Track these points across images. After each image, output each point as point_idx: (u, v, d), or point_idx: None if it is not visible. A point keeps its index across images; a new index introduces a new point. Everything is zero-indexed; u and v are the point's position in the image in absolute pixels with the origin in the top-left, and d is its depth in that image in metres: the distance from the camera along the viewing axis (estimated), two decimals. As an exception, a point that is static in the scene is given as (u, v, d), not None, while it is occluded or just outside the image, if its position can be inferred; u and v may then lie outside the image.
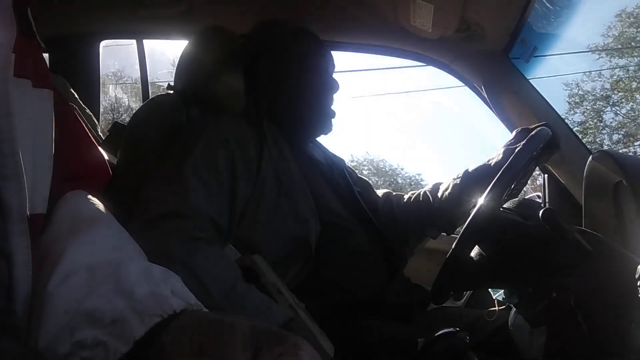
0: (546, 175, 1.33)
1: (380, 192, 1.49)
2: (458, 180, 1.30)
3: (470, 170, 1.30)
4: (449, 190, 1.31)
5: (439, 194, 1.34)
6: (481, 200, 0.93)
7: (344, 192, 1.30)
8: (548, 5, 1.35)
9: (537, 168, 1.31)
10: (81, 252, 0.56)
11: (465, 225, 0.94)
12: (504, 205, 1.00)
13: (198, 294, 0.80)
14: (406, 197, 1.44)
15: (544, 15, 1.41)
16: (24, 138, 0.54)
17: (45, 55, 1.81)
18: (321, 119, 1.28)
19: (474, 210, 0.94)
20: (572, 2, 1.38)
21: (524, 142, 1.00)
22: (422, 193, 1.40)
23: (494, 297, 1.21)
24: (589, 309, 0.83)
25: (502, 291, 1.22)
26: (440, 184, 1.38)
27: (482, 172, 1.24)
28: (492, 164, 1.22)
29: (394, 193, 1.48)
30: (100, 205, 0.67)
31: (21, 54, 0.55)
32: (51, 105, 0.62)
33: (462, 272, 0.96)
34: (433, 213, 1.34)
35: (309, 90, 1.25)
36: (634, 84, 9.91)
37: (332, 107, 1.30)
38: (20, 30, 0.55)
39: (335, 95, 1.30)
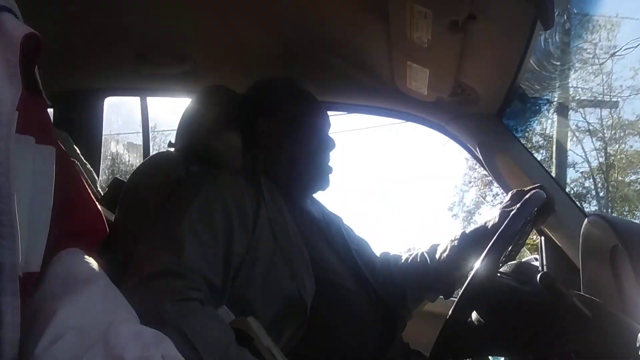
0: (543, 238, 1.33)
1: (378, 252, 1.48)
2: (455, 243, 1.29)
3: (467, 232, 1.30)
4: (446, 253, 1.30)
5: (437, 256, 1.33)
6: (477, 265, 0.92)
7: (342, 250, 1.29)
8: (540, 70, 1.40)
9: (534, 230, 1.32)
10: (71, 314, 0.55)
11: (462, 291, 0.93)
12: (501, 270, 1.00)
13: (190, 358, 0.79)
14: (404, 257, 1.42)
15: (537, 80, 1.46)
16: (23, 195, 0.54)
17: (50, 110, 1.84)
18: (318, 175, 1.30)
19: (471, 275, 0.93)
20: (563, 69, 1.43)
21: (518, 205, 1.01)
22: (419, 254, 1.39)
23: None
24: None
25: (502, 358, 1.19)
26: (438, 245, 1.37)
27: (479, 234, 1.24)
28: (488, 227, 1.22)
29: (392, 253, 1.47)
30: (94, 264, 0.67)
31: (26, 110, 0.55)
32: (53, 162, 0.62)
33: (461, 338, 0.94)
34: (431, 275, 1.32)
35: (306, 148, 1.27)
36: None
37: (329, 164, 1.32)
38: (26, 87, 0.56)
39: (331, 153, 1.33)
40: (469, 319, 0.98)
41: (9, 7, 0.60)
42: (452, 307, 0.93)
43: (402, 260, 1.42)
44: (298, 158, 1.27)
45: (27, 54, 0.57)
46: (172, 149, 1.37)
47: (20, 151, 0.54)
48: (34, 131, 0.58)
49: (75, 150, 1.63)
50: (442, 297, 1.39)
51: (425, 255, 1.37)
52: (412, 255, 1.40)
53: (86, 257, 0.67)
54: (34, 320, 0.55)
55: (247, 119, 1.30)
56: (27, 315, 0.53)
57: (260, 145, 1.27)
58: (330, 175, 1.32)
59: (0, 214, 0.51)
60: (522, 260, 1.23)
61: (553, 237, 1.34)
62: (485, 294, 0.92)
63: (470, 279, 0.92)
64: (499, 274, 0.97)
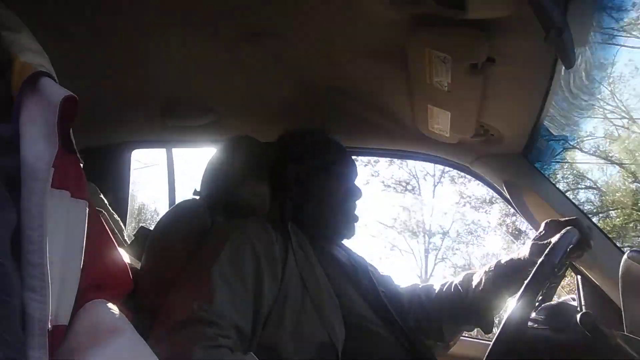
0: (579, 277, 1.29)
1: (405, 287, 1.45)
2: (490, 274, 1.26)
3: (502, 262, 1.26)
4: (482, 285, 1.26)
5: (472, 288, 1.29)
6: (510, 309, 0.88)
7: (370, 294, 1.27)
8: (564, 109, 1.39)
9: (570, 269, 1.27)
10: None
11: (495, 338, 0.89)
12: (536, 316, 0.96)
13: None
14: (437, 289, 1.39)
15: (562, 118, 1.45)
16: (57, 248, 0.55)
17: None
18: (345, 223, 1.32)
19: (504, 321, 0.89)
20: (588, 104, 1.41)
21: (552, 244, 0.98)
22: (452, 285, 1.35)
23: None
24: None
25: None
26: (472, 274, 1.33)
27: (514, 266, 1.21)
28: (522, 258, 1.19)
29: (421, 286, 1.43)
30: (120, 315, 0.66)
31: (64, 167, 0.58)
32: (86, 216, 0.64)
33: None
34: (467, 307, 1.28)
35: (334, 197, 1.31)
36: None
37: (355, 212, 1.34)
38: (62, 145, 0.59)
39: (357, 202, 1.35)
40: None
41: (47, 72, 0.65)
42: (487, 353, 0.89)
43: (435, 293, 1.38)
44: (326, 206, 1.30)
45: (64, 115, 0.60)
46: (197, 197, 1.38)
47: (56, 205, 0.56)
48: (69, 186, 0.61)
49: (103, 200, 1.66)
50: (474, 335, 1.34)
51: (459, 286, 1.33)
52: (446, 287, 1.37)
53: (112, 307, 0.67)
54: None
55: (276, 166, 1.33)
56: None
57: (289, 192, 1.29)
58: (356, 224, 1.34)
59: (33, 268, 0.52)
60: (559, 301, 1.17)
61: (590, 275, 1.29)
62: (518, 348, 0.87)
63: (504, 325, 0.88)
64: (533, 324, 0.93)
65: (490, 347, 0.89)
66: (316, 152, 1.35)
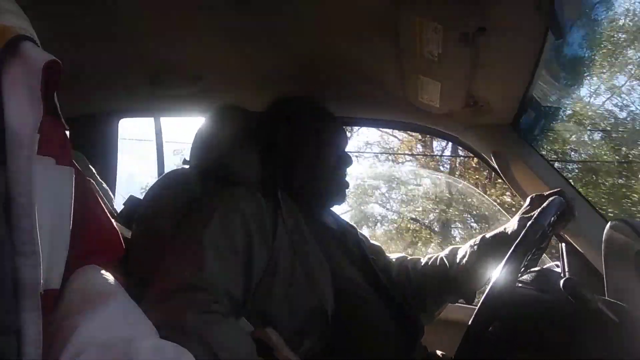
0: (564, 244, 1.31)
1: (394, 256, 1.48)
2: (475, 248, 1.29)
3: (487, 236, 1.29)
4: (466, 258, 1.29)
5: (457, 261, 1.32)
6: (497, 274, 0.91)
7: (359, 260, 1.29)
8: (553, 80, 1.40)
9: (554, 237, 1.30)
10: (92, 329, 0.56)
11: (481, 301, 0.92)
12: (522, 278, 0.98)
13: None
14: (423, 261, 1.42)
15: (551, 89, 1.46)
16: (44, 214, 0.55)
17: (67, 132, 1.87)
18: (336, 190, 1.33)
19: (490, 284, 0.92)
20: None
21: (538, 211, 1.00)
22: (438, 258, 1.38)
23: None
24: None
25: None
26: (458, 249, 1.36)
27: (499, 239, 1.23)
28: (508, 232, 1.21)
29: (409, 257, 1.47)
30: (112, 280, 0.67)
31: (47, 133, 0.57)
32: (72, 183, 0.64)
33: (482, 349, 0.93)
34: (451, 280, 1.31)
35: (326, 164, 1.31)
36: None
37: (346, 179, 1.34)
38: (46, 111, 0.58)
39: (347, 169, 1.36)
40: (491, 329, 0.96)
41: (29, 36, 0.63)
42: (472, 318, 0.91)
43: (421, 265, 1.41)
44: (317, 172, 1.30)
45: (48, 80, 0.59)
46: (187, 166, 1.38)
47: (41, 172, 0.56)
48: (54, 153, 0.60)
49: (91, 169, 1.65)
50: (462, 302, 1.37)
51: (445, 259, 1.36)
52: (431, 260, 1.40)
53: (104, 273, 0.67)
54: (54, 336, 0.55)
55: (266, 134, 1.33)
56: (48, 332, 0.54)
57: (280, 160, 1.30)
58: (346, 190, 1.35)
59: (22, 233, 0.52)
60: (544, 267, 1.20)
61: (574, 243, 1.32)
62: (505, 306, 0.90)
63: (490, 289, 0.91)
64: (519, 284, 0.96)
65: (475, 311, 0.92)
66: (307, 118, 1.35)
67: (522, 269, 0.98)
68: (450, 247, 1.39)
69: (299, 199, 1.25)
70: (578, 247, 1.32)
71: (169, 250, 1.05)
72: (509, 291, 0.90)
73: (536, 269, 1.05)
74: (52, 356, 0.53)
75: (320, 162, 1.31)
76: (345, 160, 1.35)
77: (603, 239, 0.99)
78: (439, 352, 1.30)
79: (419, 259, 1.45)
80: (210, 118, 1.43)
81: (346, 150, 1.39)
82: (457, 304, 1.52)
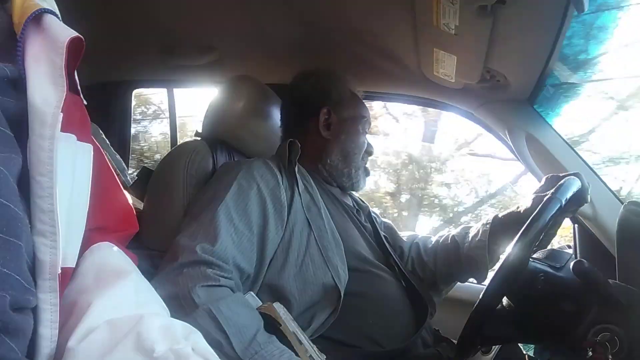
0: (576, 226, 1.30)
1: (405, 235, 1.47)
2: (488, 227, 1.27)
3: (500, 216, 1.28)
4: (478, 237, 1.28)
5: (468, 240, 1.31)
6: (509, 250, 0.90)
7: (372, 237, 1.30)
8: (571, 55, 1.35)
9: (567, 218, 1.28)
10: (104, 307, 0.57)
11: (492, 277, 0.92)
12: (534, 256, 0.97)
13: (219, 342, 0.80)
14: (434, 239, 1.41)
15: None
16: (64, 192, 0.55)
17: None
18: (362, 176, 1.34)
19: (502, 260, 0.91)
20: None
21: (552, 191, 0.98)
22: (450, 237, 1.37)
23: (524, 353, 1.15)
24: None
25: (533, 346, 1.17)
26: (469, 227, 1.35)
27: (512, 219, 1.22)
28: (521, 211, 1.19)
29: (420, 235, 1.46)
30: (125, 258, 0.68)
31: (69, 110, 0.56)
32: (91, 159, 0.63)
33: (490, 325, 0.93)
34: (463, 259, 1.31)
35: (359, 146, 1.33)
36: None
37: (367, 166, 1.37)
38: (68, 87, 0.57)
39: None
40: (500, 306, 0.96)
41: (52, 10, 0.61)
42: (482, 294, 0.91)
43: (432, 243, 1.41)
44: (352, 157, 1.31)
45: (70, 56, 0.58)
46: (199, 138, 1.38)
47: (63, 148, 0.55)
48: (75, 129, 0.59)
49: (105, 141, 1.66)
50: (473, 281, 1.38)
51: (456, 238, 1.35)
52: (443, 238, 1.39)
53: (117, 250, 0.67)
54: (68, 312, 0.56)
55: (306, 104, 1.33)
56: (62, 308, 0.54)
57: (315, 133, 1.30)
58: (367, 178, 1.37)
59: (43, 213, 0.52)
60: (555, 248, 1.19)
61: (587, 225, 1.30)
62: (516, 280, 0.90)
63: (502, 264, 0.90)
64: (531, 260, 0.95)
65: (485, 288, 0.91)
66: (350, 102, 1.36)
67: (533, 249, 0.97)
68: (462, 226, 1.38)
69: (320, 176, 1.27)
70: (591, 230, 1.30)
71: (183, 223, 1.06)
72: (522, 266, 0.90)
73: (547, 249, 1.04)
74: (65, 332, 0.54)
75: (354, 147, 1.31)
76: (370, 150, 1.36)
77: (617, 222, 0.98)
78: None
79: (430, 237, 1.44)
80: (223, 89, 1.42)
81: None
82: (466, 283, 1.51)
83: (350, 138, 1.32)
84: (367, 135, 1.37)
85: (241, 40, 1.57)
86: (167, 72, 1.85)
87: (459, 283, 1.43)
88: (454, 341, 1.21)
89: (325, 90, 1.34)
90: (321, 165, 1.29)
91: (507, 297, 0.95)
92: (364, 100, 1.42)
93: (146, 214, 1.23)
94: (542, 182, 1.19)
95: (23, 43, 0.57)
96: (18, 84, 0.56)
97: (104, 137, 1.68)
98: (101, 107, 1.95)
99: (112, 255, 0.66)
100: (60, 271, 0.53)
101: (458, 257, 1.32)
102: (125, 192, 0.82)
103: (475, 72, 1.34)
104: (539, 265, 0.95)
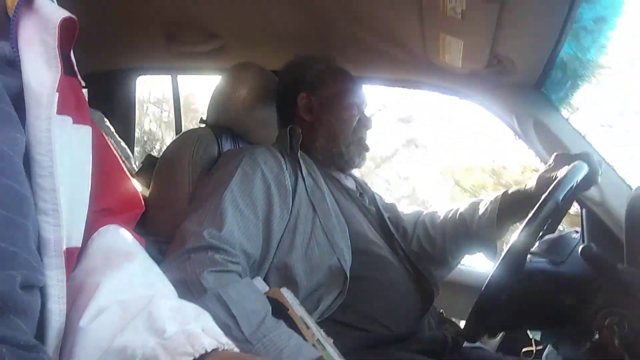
0: (584, 210, 1.29)
1: (408, 211, 1.47)
2: (497, 204, 1.27)
3: (509, 192, 1.27)
4: (488, 214, 1.27)
5: (477, 217, 1.30)
6: (514, 238, 0.90)
7: (376, 220, 1.30)
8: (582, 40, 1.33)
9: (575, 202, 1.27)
10: (114, 287, 0.57)
11: (496, 265, 0.91)
12: (536, 248, 0.97)
13: (228, 326, 0.81)
14: (440, 215, 1.40)
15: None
16: (63, 173, 0.55)
17: (84, 90, 1.88)
18: (357, 153, 1.32)
19: (506, 249, 0.91)
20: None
21: (558, 180, 0.97)
22: (457, 213, 1.36)
23: (530, 336, 1.16)
24: (636, 349, 0.79)
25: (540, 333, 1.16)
26: (478, 203, 1.34)
27: (520, 197, 1.22)
28: (532, 189, 1.18)
29: (425, 212, 1.45)
30: (133, 239, 0.68)
31: (64, 92, 0.56)
32: (90, 141, 0.63)
33: (495, 313, 0.93)
34: (472, 235, 1.30)
35: (347, 125, 1.30)
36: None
37: (366, 143, 1.34)
38: (64, 69, 0.57)
39: (368, 132, 1.35)
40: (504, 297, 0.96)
41: None
42: (486, 282, 0.91)
43: (439, 219, 1.39)
44: (338, 135, 1.29)
45: (64, 37, 0.58)
46: (204, 125, 1.38)
47: (59, 131, 0.55)
48: (71, 111, 0.60)
49: (109, 128, 1.66)
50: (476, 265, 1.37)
51: (464, 215, 1.34)
52: (450, 214, 1.38)
53: (125, 232, 0.68)
54: (78, 293, 0.56)
55: (286, 93, 1.33)
56: (71, 289, 0.55)
57: (300, 119, 1.29)
58: (366, 154, 1.34)
59: (45, 192, 0.52)
60: (562, 234, 1.18)
61: (595, 209, 1.29)
62: (517, 277, 0.89)
63: (504, 256, 0.90)
64: (530, 257, 0.95)
65: (489, 275, 0.91)
66: (328, 80, 1.33)
67: (541, 233, 0.97)
68: (470, 202, 1.37)
69: (320, 160, 1.26)
70: (599, 214, 1.29)
71: (189, 209, 1.06)
72: (523, 262, 0.90)
73: (553, 235, 1.03)
74: (75, 313, 0.54)
75: (341, 123, 1.30)
76: (365, 123, 1.33)
77: (625, 206, 0.97)
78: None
79: (435, 212, 1.43)
80: (227, 76, 1.42)
81: (366, 112, 1.37)
82: (469, 267, 1.51)
83: (335, 116, 1.30)
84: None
85: (245, 27, 1.56)
86: (171, 59, 1.84)
87: (461, 267, 1.43)
88: (456, 322, 1.21)
89: (299, 76, 1.33)
90: (314, 150, 1.28)
91: (508, 294, 0.95)
92: (366, 85, 1.41)
93: (152, 202, 1.23)
94: (551, 160, 1.18)
95: (16, 25, 0.57)
96: (15, 63, 0.56)
97: (109, 124, 1.68)
98: (105, 95, 1.95)
99: (120, 237, 0.67)
100: (64, 248, 0.54)
101: (467, 234, 1.31)
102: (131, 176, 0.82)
103: (482, 57, 1.32)
104: (536, 265, 0.95)
